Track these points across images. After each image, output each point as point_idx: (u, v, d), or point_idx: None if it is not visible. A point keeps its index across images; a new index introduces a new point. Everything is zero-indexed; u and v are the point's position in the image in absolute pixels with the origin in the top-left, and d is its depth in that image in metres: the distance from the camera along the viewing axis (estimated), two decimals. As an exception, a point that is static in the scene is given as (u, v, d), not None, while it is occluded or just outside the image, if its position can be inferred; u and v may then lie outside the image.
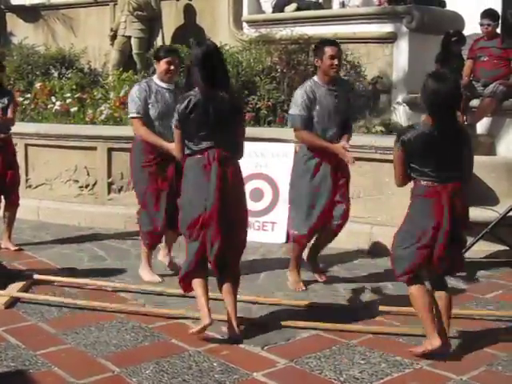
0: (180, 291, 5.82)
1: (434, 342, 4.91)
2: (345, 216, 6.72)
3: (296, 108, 6.46)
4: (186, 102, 5.26)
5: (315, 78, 6.60)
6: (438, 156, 4.90)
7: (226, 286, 5.46)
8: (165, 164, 6.61)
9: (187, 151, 5.39)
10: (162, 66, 6.67)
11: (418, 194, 5.03)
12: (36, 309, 6.05)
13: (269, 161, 8.73)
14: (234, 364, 4.93)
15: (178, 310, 5.93)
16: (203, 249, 5.36)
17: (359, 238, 7.98)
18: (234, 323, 5.36)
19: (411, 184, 5.11)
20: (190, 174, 5.40)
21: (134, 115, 6.64)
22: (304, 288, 6.64)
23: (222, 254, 5.35)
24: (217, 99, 5.31)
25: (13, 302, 6.15)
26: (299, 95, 6.47)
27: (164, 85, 6.70)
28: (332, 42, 6.74)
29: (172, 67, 6.69)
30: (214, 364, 4.94)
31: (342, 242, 7.78)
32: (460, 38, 9.51)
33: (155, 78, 6.77)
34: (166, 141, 6.41)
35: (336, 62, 6.45)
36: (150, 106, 6.61)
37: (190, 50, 5.38)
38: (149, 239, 6.86)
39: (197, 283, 5.41)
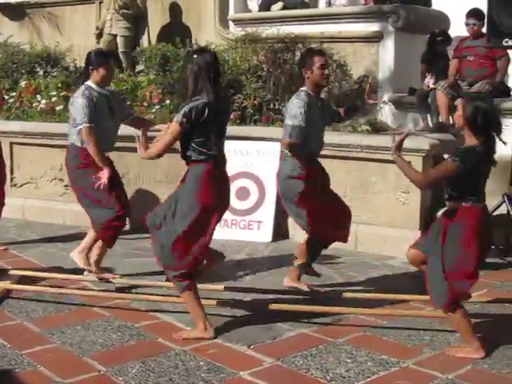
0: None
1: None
2: None
3: (295, 119, 6.12)
4: (200, 107, 5.22)
5: (305, 88, 6.29)
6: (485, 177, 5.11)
7: None
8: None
9: (199, 157, 5.33)
10: (101, 72, 6.62)
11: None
12: (21, 308, 6.03)
13: (255, 160, 8.74)
14: (221, 363, 4.93)
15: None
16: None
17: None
18: None
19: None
20: (206, 179, 5.35)
21: (88, 124, 6.48)
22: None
23: None
24: (222, 102, 5.55)
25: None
26: (297, 105, 6.16)
27: (103, 91, 6.70)
28: (319, 51, 6.71)
29: (110, 73, 6.87)
30: (201, 363, 4.93)
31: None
32: (445, 38, 9.54)
33: (92, 84, 6.65)
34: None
35: (326, 71, 6.35)
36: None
37: (190, 55, 5.43)
38: None
39: (194, 293, 5.45)
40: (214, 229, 5.41)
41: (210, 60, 5.37)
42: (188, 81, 5.37)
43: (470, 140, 4.97)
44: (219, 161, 5.44)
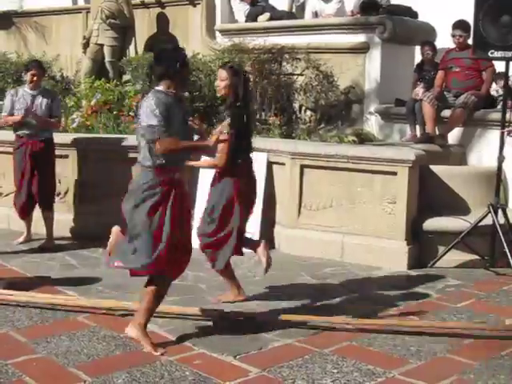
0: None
1: None
2: None
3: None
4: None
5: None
6: None
7: None
8: None
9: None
10: (28, 76, 8.35)
11: None
12: (6, 317, 5.99)
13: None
14: (206, 373, 4.90)
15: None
16: None
17: (331, 247, 7.99)
18: None
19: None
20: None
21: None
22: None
23: None
24: None
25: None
26: None
27: (30, 91, 8.37)
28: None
29: (35, 78, 8.34)
30: (186, 373, 4.92)
31: (313, 251, 7.84)
32: (433, 49, 9.64)
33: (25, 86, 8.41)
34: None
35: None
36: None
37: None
38: None
39: None
40: None
41: None
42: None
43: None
44: None
